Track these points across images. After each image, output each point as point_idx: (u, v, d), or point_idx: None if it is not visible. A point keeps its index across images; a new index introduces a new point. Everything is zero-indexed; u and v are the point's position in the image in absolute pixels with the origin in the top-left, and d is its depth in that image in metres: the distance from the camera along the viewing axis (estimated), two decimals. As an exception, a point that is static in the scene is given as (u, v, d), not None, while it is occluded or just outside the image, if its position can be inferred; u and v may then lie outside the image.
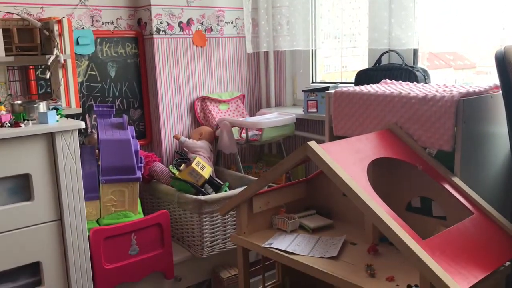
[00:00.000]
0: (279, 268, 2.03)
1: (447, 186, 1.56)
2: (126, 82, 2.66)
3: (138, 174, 2.08)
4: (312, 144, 1.44)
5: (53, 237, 1.82)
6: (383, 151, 1.57)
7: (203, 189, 2.30)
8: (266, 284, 1.97)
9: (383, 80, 2.07)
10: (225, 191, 2.34)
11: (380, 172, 1.73)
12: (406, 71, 2.21)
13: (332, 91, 1.96)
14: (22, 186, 1.76)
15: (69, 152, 1.80)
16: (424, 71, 2.25)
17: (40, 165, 1.76)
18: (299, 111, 2.76)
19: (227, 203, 1.81)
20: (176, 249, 2.28)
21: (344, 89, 1.93)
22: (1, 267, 1.73)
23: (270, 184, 1.99)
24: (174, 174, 2.32)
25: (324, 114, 2.09)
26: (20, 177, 1.75)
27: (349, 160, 1.46)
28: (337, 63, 2.95)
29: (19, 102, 1.93)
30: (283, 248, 1.64)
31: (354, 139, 1.58)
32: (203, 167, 2.35)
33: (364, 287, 1.36)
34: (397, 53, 2.31)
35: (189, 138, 2.69)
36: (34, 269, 1.81)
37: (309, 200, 1.97)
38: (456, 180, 1.58)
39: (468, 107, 1.58)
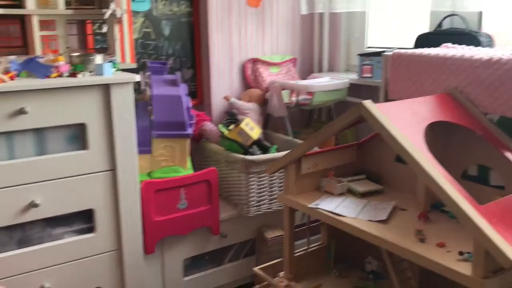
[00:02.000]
0: (324, 231, 2.02)
1: (508, 154, 1.48)
2: (179, 41, 2.67)
3: (189, 130, 2.11)
4: (367, 103, 1.40)
5: (106, 187, 1.88)
6: (441, 114, 1.51)
7: (251, 150, 2.30)
8: (310, 246, 1.97)
9: (444, 44, 1.98)
10: (273, 153, 2.34)
11: (436, 137, 1.67)
12: (469, 36, 2.10)
13: (390, 53, 1.89)
14: (78, 136, 1.82)
15: (124, 104, 1.84)
16: (489, 36, 2.12)
17: (95, 115, 1.81)
18: (353, 76, 2.69)
19: (275, 162, 1.80)
20: (223, 207, 2.31)
21: (403, 51, 1.86)
22: (58, 211, 1.81)
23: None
24: (223, 133, 2.34)
25: (379, 79, 2.03)
26: (76, 126, 1.80)
27: (405, 122, 1.41)
28: (394, 30, 2.84)
29: (76, 54, 1.98)
30: (330, 210, 1.63)
31: (411, 101, 1.52)
32: (252, 128, 2.35)
33: (413, 251, 1.33)
34: (460, 17, 2.19)
35: (239, 100, 2.69)
36: (87, 216, 1.89)
37: (360, 165, 1.94)
38: (518, 148, 1.50)
39: (537, 71, 1.48)
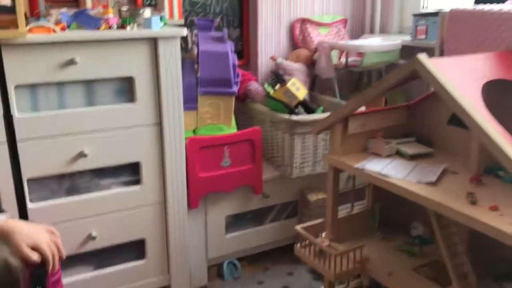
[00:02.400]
0: (369, 195, 1.98)
1: None
2: (227, -1, 2.63)
3: (234, 88, 2.09)
4: (422, 56, 1.33)
5: (153, 140, 1.90)
6: (502, 72, 1.42)
7: (296, 110, 2.27)
8: (354, 208, 1.94)
9: (509, 0, 1.85)
10: (319, 114, 2.29)
11: (494, 96, 1.57)
12: (536, -7, 1.95)
13: (447, 11, 1.79)
14: (126, 89, 1.84)
15: (171, 58, 1.84)
16: (560, -6, 1.97)
17: (143, 69, 1.82)
18: (406, 38, 2.58)
19: (321, 122, 1.76)
20: (266, 168, 2.30)
21: (461, 7, 1.75)
22: (105, 162, 1.85)
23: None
24: (268, 93, 2.31)
25: (434, 41, 1.92)
26: (125, 79, 1.82)
27: (462, 78, 1.33)
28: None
29: (125, 8, 1.98)
30: (377, 170, 1.58)
31: (470, 57, 1.44)
32: (298, 89, 2.31)
33: (464, 212, 1.27)
34: (528, -27, 2.04)
35: (286, 60, 2.64)
36: (134, 168, 1.92)
37: (409, 127, 1.86)
38: None
39: None
